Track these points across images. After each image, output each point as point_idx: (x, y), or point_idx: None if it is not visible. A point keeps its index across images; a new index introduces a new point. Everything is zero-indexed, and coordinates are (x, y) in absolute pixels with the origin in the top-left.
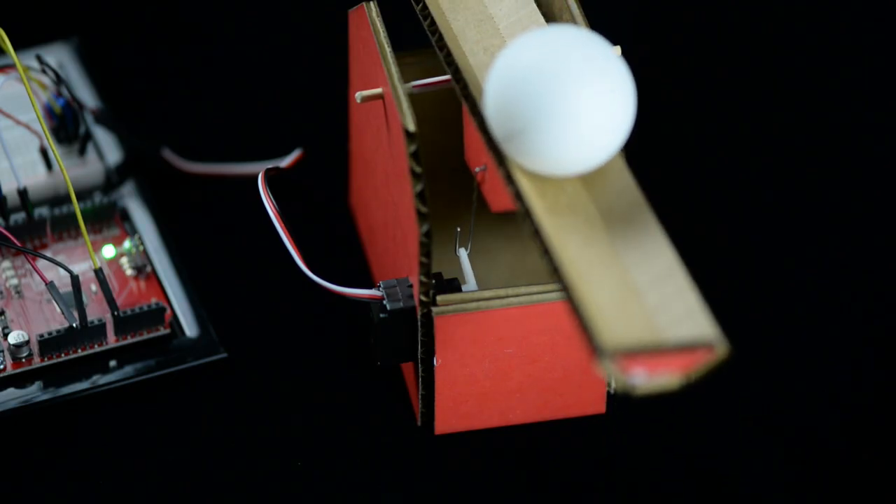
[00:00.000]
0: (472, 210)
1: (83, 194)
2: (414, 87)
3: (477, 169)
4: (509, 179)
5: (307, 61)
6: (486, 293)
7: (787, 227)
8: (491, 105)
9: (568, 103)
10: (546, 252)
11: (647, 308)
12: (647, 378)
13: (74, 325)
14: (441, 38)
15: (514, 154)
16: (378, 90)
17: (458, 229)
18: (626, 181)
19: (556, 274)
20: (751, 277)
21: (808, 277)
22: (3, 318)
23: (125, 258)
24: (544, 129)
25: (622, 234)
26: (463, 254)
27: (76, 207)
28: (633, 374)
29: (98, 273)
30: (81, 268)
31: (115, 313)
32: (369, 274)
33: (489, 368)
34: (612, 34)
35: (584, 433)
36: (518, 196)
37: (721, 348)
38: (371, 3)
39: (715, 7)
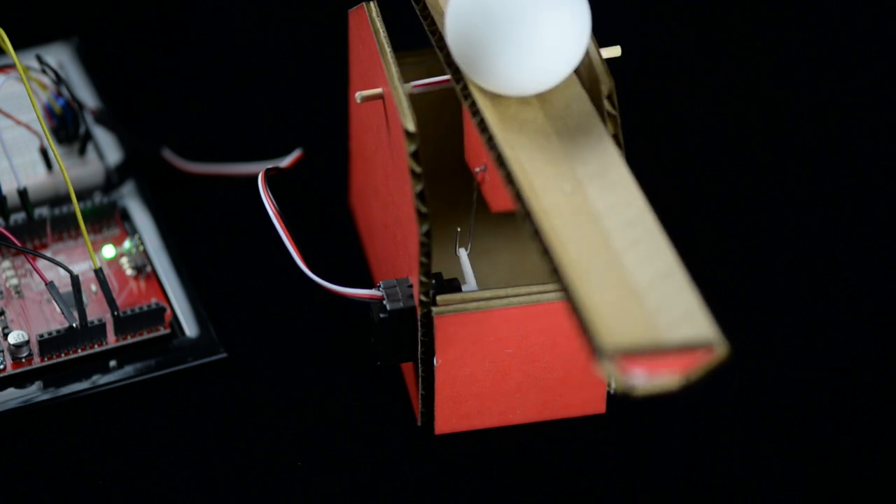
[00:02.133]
0: (472, 210)
1: (83, 194)
2: (414, 87)
3: (477, 169)
4: (468, 99)
5: (307, 61)
6: (486, 293)
7: (788, 226)
8: (451, 28)
9: (524, 24)
10: (545, 249)
11: (646, 308)
12: (647, 378)
13: (74, 325)
14: (441, 38)
15: (472, 75)
16: (378, 90)
17: (459, 229)
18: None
19: (548, 257)
20: (751, 278)
21: (808, 278)
22: (3, 318)
23: (125, 258)
24: (501, 51)
25: (572, 143)
26: (463, 254)
27: (76, 207)
28: (633, 375)
29: (98, 273)
30: (81, 268)
31: (115, 313)
32: (369, 274)
33: (489, 368)
34: (612, 34)
35: (584, 433)
36: (475, 112)
37: (721, 349)
38: (371, 3)
39: (715, 7)
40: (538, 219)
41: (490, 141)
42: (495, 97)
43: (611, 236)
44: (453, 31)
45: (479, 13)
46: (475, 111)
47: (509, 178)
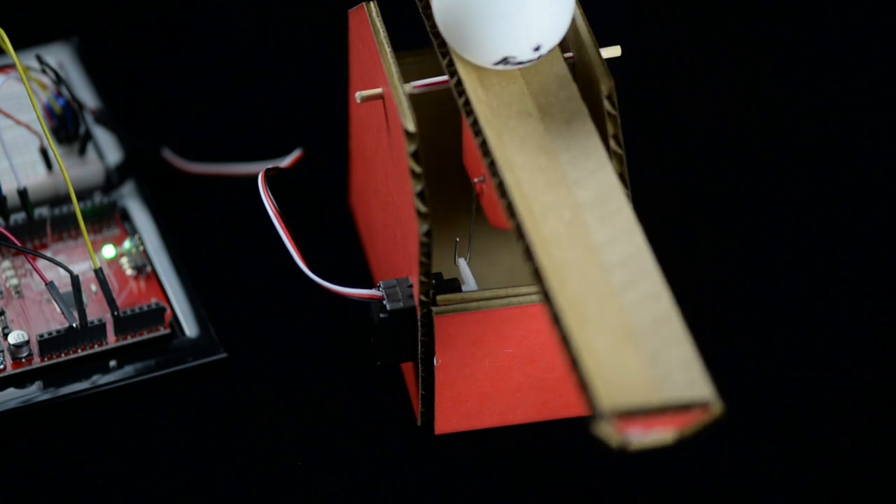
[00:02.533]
0: (471, 219)
1: (83, 194)
2: (414, 87)
3: (476, 180)
4: (470, 115)
5: (307, 61)
6: (486, 293)
7: (788, 226)
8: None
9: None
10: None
11: (643, 360)
12: (642, 435)
13: (74, 325)
14: (443, 42)
15: (458, 47)
16: (378, 90)
17: (458, 239)
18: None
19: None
20: (751, 278)
21: (808, 278)
22: (3, 318)
23: (125, 258)
24: (486, 22)
25: (573, 165)
26: (462, 263)
27: (76, 207)
28: (629, 434)
29: (98, 273)
30: (81, 268)
31: (115, 313)
32: (369, 274)
33: (489, 368)
34: (612, 34)
35: (584, 433)
36: (477, 132)
37: (716, 407)
38: (371, 3)
39: (715, 7)
40: (536, 250)
41: (492, 166)
42: (496, 105)
43: (609, 272)
44: (439, 4)
45: None
46: (477, 130)
47: (510, 210)
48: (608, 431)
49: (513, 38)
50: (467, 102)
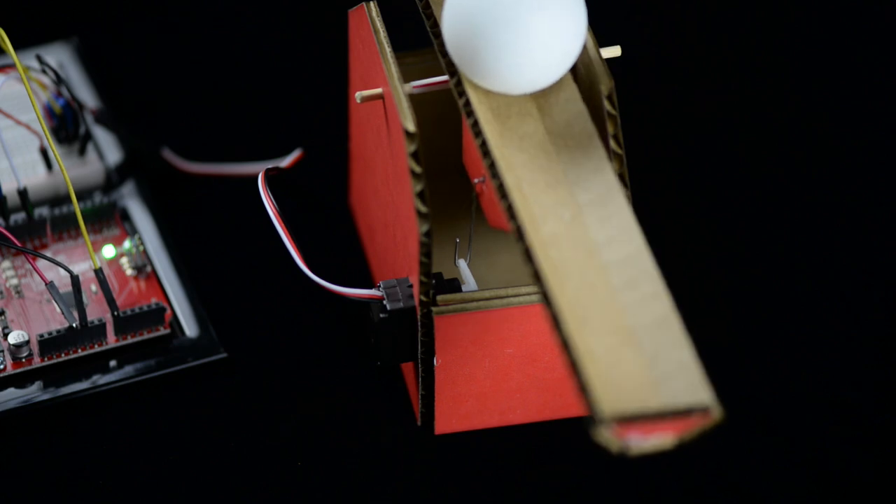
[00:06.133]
0: (471, 220)
1: (83, 194)
2: (414, 87)
3: (476, 180)
4: (470, 117)
5: (307, 61)
6: (486, 293)
7: (788, 226)
8: (447, 26)
9: (520, 24)
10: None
11: (643, 364)
12: (642, 441)
13: (74, 325)
14: (442, 41)
15: (470, 74)
16: (378, 90)
17: (458, 240)
18: (577, 107)
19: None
20: (751, 278)
21: (808, 278)
22: (3, 318)
23: (125, 258)
24: (498, 50)
25: (573, 165)
26: (462, 264)
27: (76, 207)
28: (629, 439)
29: (98, 273)
30: (81, 268)
31: (115, 313)
32: (369, 274)
33: (489, 368)
34: (612, 34)
35: (584, 433)
36: (477, 133)
37: (716, 412)
38: (371, 3)
39: (715, 7)
40: (535, 251)
41: (492, 167)
42: (496, 107)
43: (608, 273)
44: (449, 28)
45: (471, 12)
46: (477, 132)
47: (510, 211)
48: (608, 437)
49: (518, 82)
50: (468, 103)
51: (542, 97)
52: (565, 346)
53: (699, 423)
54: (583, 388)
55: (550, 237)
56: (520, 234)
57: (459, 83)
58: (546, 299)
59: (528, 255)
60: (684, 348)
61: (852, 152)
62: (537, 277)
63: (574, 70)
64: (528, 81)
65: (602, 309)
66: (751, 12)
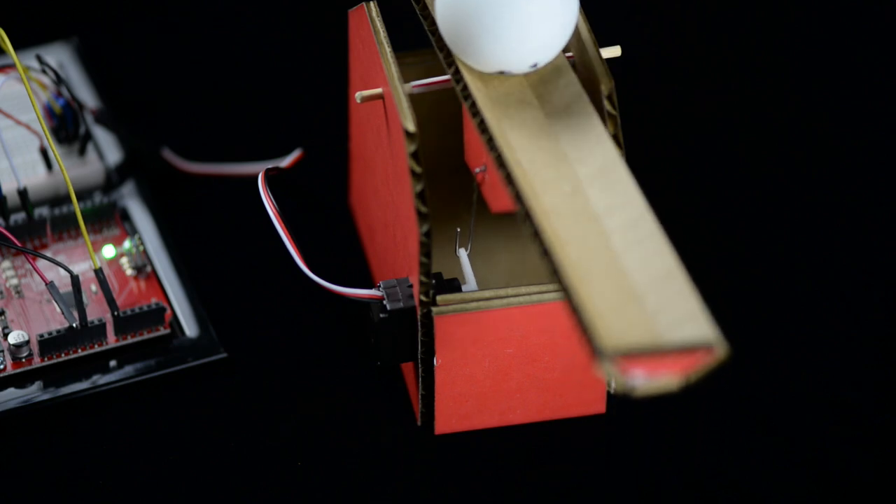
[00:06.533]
0: (472, 210)
1: (83, 194)
2: (414, 87)
3: (477, 170)
4: (468, 99)
5: (307, 61)
6: (486, 293)
7: (788, 226)
8: (441, 9)
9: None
10: (545, 250)
11: (646, 309)
12: (647, 379)
13: (74, 325)
14: (441, 38)
15: (465, 56)
16: (378, 90)
17: (459, 229)
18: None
19: (549, 258)
20: (751, 278)
21: (808, 278)
22: (3, 318)
23: (125, 258)
24: (491, 30)
25: (573, 144)
26: (463, 254)
27: (76, 207)
28: (633, 376)
29: (98, 273)
30: (81, 268)
31: (115, 313)
32: (369, 274)
33: (489, 368)
34: (612, 34)
35: (584, 433)
36: (475, 112)
37: (721, 349)
38: (371, 3)
39: (715, 6)
40: (538, 220)
41: (490, 142)
42: (495, 96)
43: (611, 237)
44: (442, 10)
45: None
46: (475, 111)
47: (509, 179)
48: (612, 372)
49: (511, 57)
50: (465, 88)
51: (540, 85)
52: (567, 294)
53: (704, 360)
54: (585, 329)
55: (552, 206)
56: (521, 205)
57: (457, 71)
58: (555, 272)
59: (531, 225)
60: (689, 296)
61: (852, 152)
62: (540, 243)
63: (574, 69)
64: (529, 51)
65: (606, 268)
66: (751, 12)
